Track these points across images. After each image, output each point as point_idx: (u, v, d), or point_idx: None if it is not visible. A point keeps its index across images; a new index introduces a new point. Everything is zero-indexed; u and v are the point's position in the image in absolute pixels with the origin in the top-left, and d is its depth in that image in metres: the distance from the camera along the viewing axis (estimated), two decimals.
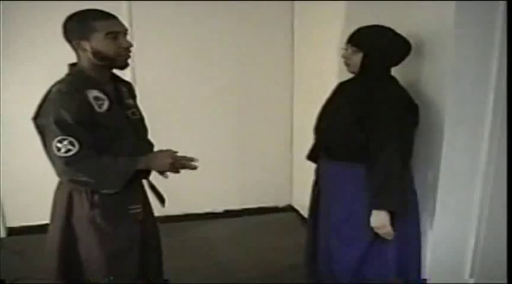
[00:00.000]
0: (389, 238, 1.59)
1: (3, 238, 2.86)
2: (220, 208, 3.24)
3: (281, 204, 3.36)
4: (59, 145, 1.31)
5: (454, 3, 1.51)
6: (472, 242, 1.78)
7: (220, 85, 3.05)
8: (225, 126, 3.13)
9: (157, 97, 2.86)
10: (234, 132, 3.16)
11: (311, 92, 2.83)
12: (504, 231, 1.63)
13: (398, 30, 1.70)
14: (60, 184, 1.50)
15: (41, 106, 1.38)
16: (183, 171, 1.55)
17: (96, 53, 1.38)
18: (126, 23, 2.97)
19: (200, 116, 3.07)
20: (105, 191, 1.41)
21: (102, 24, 1.37)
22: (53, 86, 1.41)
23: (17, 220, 2.91)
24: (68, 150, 1.31)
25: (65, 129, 1.32)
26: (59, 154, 1.32)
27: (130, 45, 1.43)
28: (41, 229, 2.88)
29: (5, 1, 2.56)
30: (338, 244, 1.73)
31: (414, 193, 1.72)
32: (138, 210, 1.51)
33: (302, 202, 3.12)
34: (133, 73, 2.82)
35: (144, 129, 1.62)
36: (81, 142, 1.33)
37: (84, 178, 1.35)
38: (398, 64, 1.67)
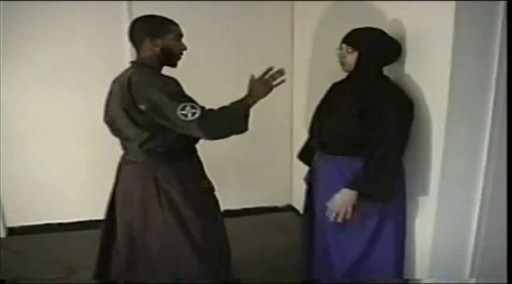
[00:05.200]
0: (339, 220, 1.66)
1: (3, 238, 2.85)
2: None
3: (281, 204, 3.36)
4: (183, 112, 1.46)
5: (454, 3, 1.51)
6: (472, 242, 1.78)
7: (220, 85, 3.05)
8: None
9: None
10: None
11: (311, 92, 2.83)
12: (504, 231, 1.64)
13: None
14: (129, 174, 1.70)
15: (134, 94, 1.52)
16: None
17: (165, 50, 1.61)
18: (126, 23, 2.98)
19: None
20: (233, 134, 1.60)
21: (174, 28, 1.65)
22: (130, 76, 1.55)
23: (17, 220, 2.91)
24: (194, 113, 1.47)
25: (180, 98, 1.51)
26: (188, 119, 1.46)
27: (186, 49, 1.69)
28: (41, 229, 2.90)
29: (5, 1, 2.56)
30: (336, 238, 1.77)
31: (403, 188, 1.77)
32: (208, 185, 1.80)
33: (302, 202, 3.12)
34: None
35: None
36: (197, 103, 1.51)
37: (218, 129, 1.54)
38: (389, 64, 1.74)
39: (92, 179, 2.93)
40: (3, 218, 2.89)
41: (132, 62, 1.67)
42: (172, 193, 1.63)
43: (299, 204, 3.20)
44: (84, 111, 2.81)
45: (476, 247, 1.78)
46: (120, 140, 1.76)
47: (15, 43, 2.64)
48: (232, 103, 1.62)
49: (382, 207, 1.69)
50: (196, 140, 1.73)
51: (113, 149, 2.95)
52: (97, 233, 3.04)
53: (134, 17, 2.76)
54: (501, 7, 1.55)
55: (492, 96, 1.62)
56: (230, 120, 1.56)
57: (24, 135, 2.79)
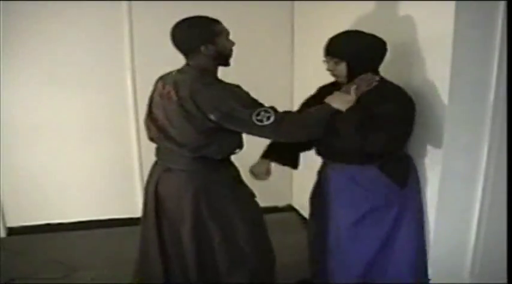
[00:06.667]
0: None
1: (3, 238, 2.85)
2: None
3: (281, 204, 3.36)
4: (258, 117, 1.47)
5: (454, 4, 1.51)
6: (472, 242, 1.78)
7: None
8: None
9: None
10: None
11: (311, 92, 2.83)
12: (504, 231, 1.64)
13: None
14: (178, 184, 1.63)
15: (200, 105, 1.49)
16: None
17: (220, 53, 1.58)
18: (126, 23, 2.97)
19: None
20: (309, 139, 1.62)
21: (222, 28, 1.61)
22: (191, 84, 1.52)
23: (17, 220, 2.91)
24: (268, 118, 1.47)
25: (252, 104, 1.50)
26: (264, 124, 1.47)
27: (234, 44, 1.65)
28: (41, 229, 2.90)
29: (5, 1, 2.56)
30: (350, 246, 1.73)
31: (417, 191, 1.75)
32: (250, 190, 1.84)
33: (302, 202, 3.11)
34: (133, 73, 2.82)
35: None
36: (269, 107, 1.50)
37: (294, 134, 1.54)
38: (381, 63, 1.66)
39: (92, 179, 2.93)
40: (3, 218, 2.88)
41: (187, 66, 1.63)
42: (223, 199, 1.66)
43: (299, 204, 3.20)
44: (84, 111, 2.81)
45: (476, 247, 1.78)
46: (160, 147, 1.70)
47: (15, 43, 2.63)
48: (309, 108, 1.60)
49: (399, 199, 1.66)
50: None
51: (112, 149, 2.97)
52: (97, 233, 3.04)
53: (134, 17, 2.80)
54: (501, 7, 1.55)
55: (492, 96, 1.63)
56: (304, 125, 1.54)
57: (24, 135, 2.79)
